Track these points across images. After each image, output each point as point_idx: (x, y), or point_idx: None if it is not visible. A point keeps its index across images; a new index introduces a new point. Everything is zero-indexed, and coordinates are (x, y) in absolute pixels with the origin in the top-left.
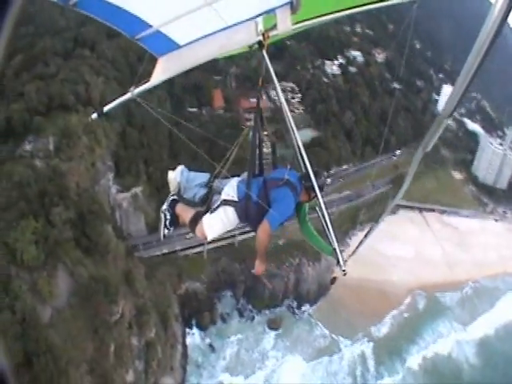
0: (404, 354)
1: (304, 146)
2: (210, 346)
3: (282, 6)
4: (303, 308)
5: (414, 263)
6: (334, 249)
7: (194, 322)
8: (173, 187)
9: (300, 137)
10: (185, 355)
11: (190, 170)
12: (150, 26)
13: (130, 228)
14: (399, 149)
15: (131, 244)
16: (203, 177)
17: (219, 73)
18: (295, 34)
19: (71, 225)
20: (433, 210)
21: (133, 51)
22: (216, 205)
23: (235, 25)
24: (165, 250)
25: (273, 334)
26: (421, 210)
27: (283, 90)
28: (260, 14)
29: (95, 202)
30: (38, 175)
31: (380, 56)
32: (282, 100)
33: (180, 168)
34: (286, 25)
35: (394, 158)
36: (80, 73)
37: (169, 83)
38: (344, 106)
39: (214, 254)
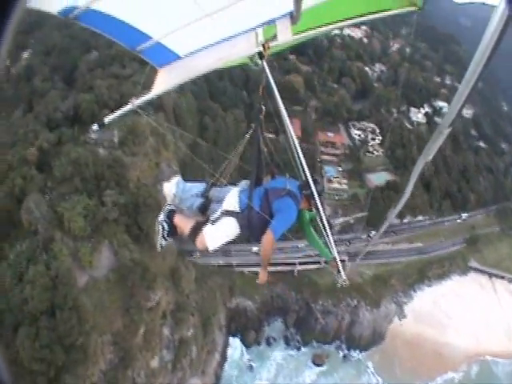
0: None
1: (378, 188)
2: (249, 364)
3: (281, 16)
4: (353, 351)
5: (476, 329)
6: (334, 257)
7: (238, 337)
8: (169, 199)
9: (375, 178)
10: (221, 365)
11: (185, 180)
12: (150, 38)
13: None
14: (478, 208)
15: (187, 249)
16: (199, 187)
17: (300, 103)
18: (298, 46)
19: (125, 211)
20: (502, 278)
21: (215, 71)
22: (217, 215)
23: (235, 36)
24: (220, 262)
25: (316, 369)
26: (491, 275)
27: (364, 130)
28: (260, 25)
29: (152, 197)
30: (97, 160)
31: (467, 111)
32: (283, 109)
33: (175, 179)
34: (286, 35)
35: (462, 219)
36: (154, 79)
37: (249, 106)
38: None
39: (272, 279)
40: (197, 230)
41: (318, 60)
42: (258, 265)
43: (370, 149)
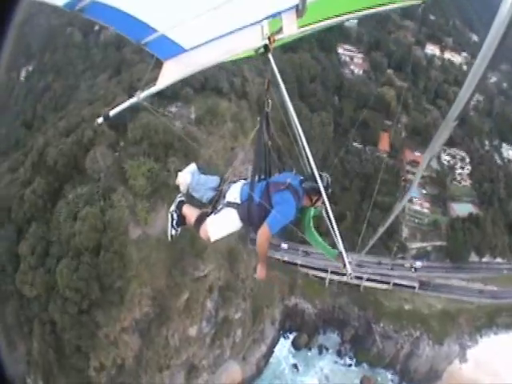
0: None
1: (460, 218)
2: (295, 366)
3: (287, 9)
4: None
5: None
6: (340, 252)
7: (291, 336)
8: (182, 188)
9: (459, 208)
10: (266, 358)
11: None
12: (156, 31)
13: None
14: None
15: (250, 237)
16: (213, 181)
17: (391, 118)
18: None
19: None
20: None
21: (305, 68)
22: (220, 207)
23: (241, 28)
24: (285, 258)
25: None
26: None
27: (454, 157)
28: (266, 18)
29: (219, 174)
30: (169, 129)
31: None
32: (289, 104)
33: (191, 168)
34: (291, 28)
35: None
36: (240, 67)
37: (339, 112)
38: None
39: (336, 288)
40: (201, 220)
41: (414, 78)
42: (323, 270)
43: (458, 177)
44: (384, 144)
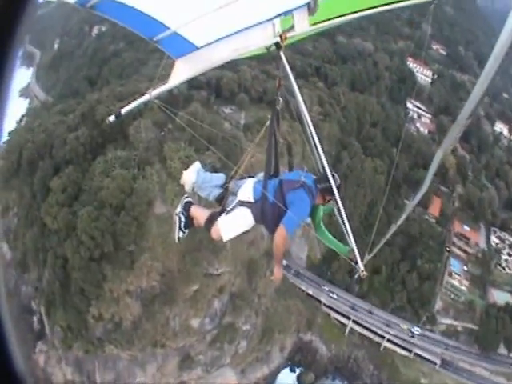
0: None
1: (496, 306)
2: None
3: (299, 7)
4: None
5: None
6: (352, 249)
7: (297, 370)
8: (187, 187)
9: (498, 296)
10: (266, 381)
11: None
12: (168, 28)
13: (292, 249)
14: None
15: (285, 261)
16: (219, 178)
17: (447, 184)
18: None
19: None
20: None
21: (368, 111)
22: (232, 206)
23: (253, 26)
24: (310, 292)
25: None
26: None
27: (503, 241)
28: (277, 16)
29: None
30: (216, 125)
31: None
32: (300, 100)
33: (196, 167)
34: (303, 26)
35: None
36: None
37: (396, 166)
38: None
39: (356, 339)
40: (212, 220)
41: (478, 151)
42: (346, 316)
43: (503, 263)
44: (435, 209)
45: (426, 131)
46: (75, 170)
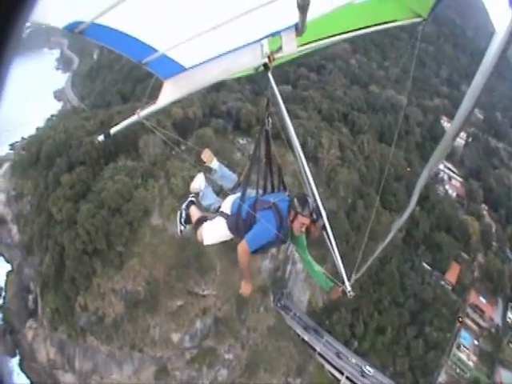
0: None
1: None
2: None
3: (287, 28)
4: None
5: None
6: (336, 283)
7: None
8: (194, 191)
9: (505, 377)
10: None
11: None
12: (156, 51)
13: (294, 291)
14: None
15: (283, 302)
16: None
17: (468, 251)
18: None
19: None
20: None
21: (393, 164)
22: (215, 214)
23: (241, 47)
24: (305, 338)
25: None
26: None
27: None
28: (265, 37)
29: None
30: (225, 151)
31: None
32: (288, 122)
33: (202, 178)
34: (291, 47)
35: None
36: (320, 132)
37: (415, 223)
38: None
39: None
40: (199, 223)
41: (506, 222)
42: (339, 371)
43: None
44: (452, 275)
45: (455, 194)
46: (86, 170)
